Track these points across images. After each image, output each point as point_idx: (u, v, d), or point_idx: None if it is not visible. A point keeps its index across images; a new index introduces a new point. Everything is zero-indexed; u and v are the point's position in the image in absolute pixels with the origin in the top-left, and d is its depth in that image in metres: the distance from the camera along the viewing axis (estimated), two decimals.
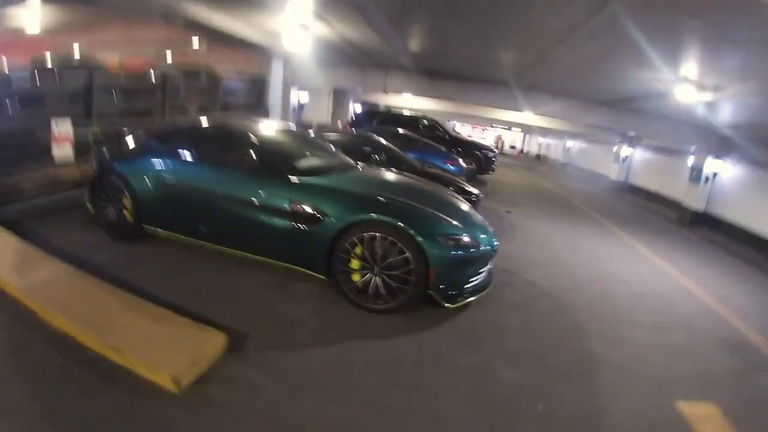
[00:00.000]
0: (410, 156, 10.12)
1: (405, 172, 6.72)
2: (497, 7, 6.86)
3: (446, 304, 4.51)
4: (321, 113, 19.75)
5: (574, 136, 28.36)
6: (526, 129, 36.21)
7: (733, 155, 13.75)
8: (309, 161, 5.65)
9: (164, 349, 3.30)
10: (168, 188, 5.18)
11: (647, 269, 8.20)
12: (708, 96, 8.89)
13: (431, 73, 15.95)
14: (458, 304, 4.63)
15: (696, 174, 14.69)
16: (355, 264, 4.49)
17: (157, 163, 5.25)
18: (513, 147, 44.96)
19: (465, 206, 5.58)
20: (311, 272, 4.73)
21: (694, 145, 14.89)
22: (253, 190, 4.83)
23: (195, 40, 18.37)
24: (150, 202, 5.27)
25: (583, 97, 14.85)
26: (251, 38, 11.80)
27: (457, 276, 4.56)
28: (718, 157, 14.08)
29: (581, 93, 14.22)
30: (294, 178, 4.83)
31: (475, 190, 9.06)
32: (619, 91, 12.25)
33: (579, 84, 12.53)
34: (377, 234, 4.35)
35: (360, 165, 6.17)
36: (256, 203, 4.78)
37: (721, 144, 13.87)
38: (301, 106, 17.40)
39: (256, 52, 14.29)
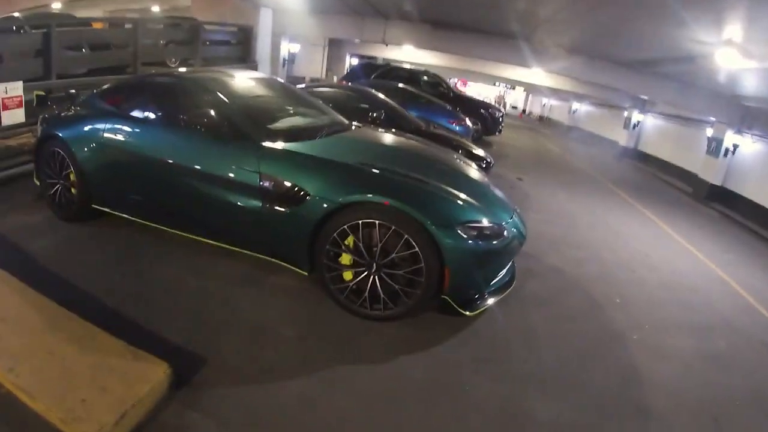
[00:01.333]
0: (413, 114, 8.99)
1: (408, 134, 5.56)
2: None
3: (465, 312, 3.46)
4: (314, 67, 18.83)
5: (580, 98, 27.25)
6: (530, 89, 35.12)
7: (756, 130, 12.81)
8: (288, 121, 4.48)
9: (88, 391, 2.40)
10: (117, 159, 4.15)
11: (675, 252, 7.41)
12: (753, 63, 7.93)
13: (435, 23, 14.70)
14: (479, 311, 3.59)
15: (715, 146, 13.79)
16: (346, 259, 3.43)
17: (105, 128, 4.21)
18: (515, 107, 43.76)
19: (483, 178, 4.51)
20: (289, 266, 3.69)
21: (713, 117, 13.95)
22: (215, 159, 3.75)
23: None
24: (97, 177, 4.26)
25: (603, 56, 13.73)
26: None
27: (479, 275, 3.47)
28: (739, 131, 13.17)
29: (602, 51, 13.10)
30: (267, 144, 3.71)
31: (485, 155, 8.00)
32: (646, 51, 11.16)
33: (602, 41, 11.42)
34: (376, 221, 3.27)
35: (355, 125, 5.00)
36: (219, 177, 3.70)
37: (744, 117, 12.98)
38: (292, 59, 16.30)
39: (244, 1, 13.32)
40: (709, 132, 14.20)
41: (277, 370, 2.89)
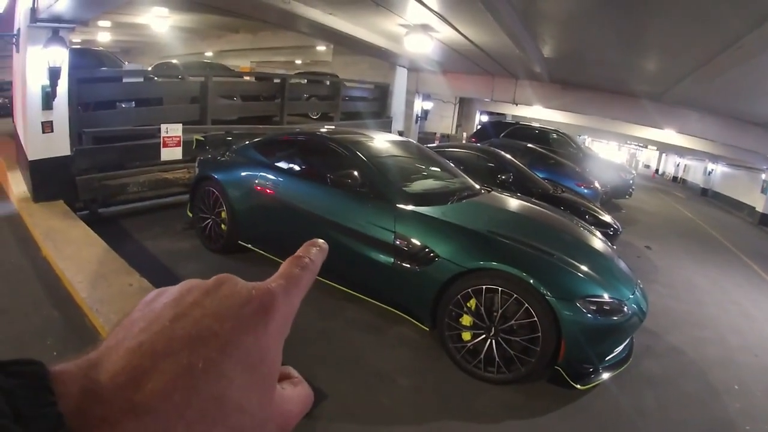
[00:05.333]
0: (540, 175, 9.04)
1: (534, 199, 5.74)
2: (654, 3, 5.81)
3: (577, 385, 3.51)
4: (445, 123, 19.23)
5: (715, 158, 25.67)
6: (662, 148, 33.60)
7: None
8: (422, 184, 4.87)
9: None
10: (265, 204, 4.77)
11: None
12: None
13: (565, 83, 14.71)
14: (591, 385, 3.63)
15: None
16: (466, 320, 3.66)
17: (257, 175, 4.85)
18: (647, 166, 41.86)
19: (608, 250, 4.57)
20: (412, 320, 3.98)
21: None
22: (354, 216, 4.19)
23: (321, 47, 18.63)
24: (246, 217, 4.91)
25: (736, 116, 13.03)
26: (373, 41, 11.36)
27: (595, 350, 3.53)
28: None
29: (734, 111, 12.46)
30: (402, 206, 4.09)
31: (613, 221, 7.89)
32: None
33: (734, 101, 10.94)
34: (499, 288, 3.50)
35: (484, 189, 5.23)
36: (356, 231, 4.12)
37: None
38: (424, 116, 16.84)
39: (381, 60, 14.04)
40: None
41: (390, 416, 3.14)
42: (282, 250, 4.75)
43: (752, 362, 5.34)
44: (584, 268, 3.71)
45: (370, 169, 4.41)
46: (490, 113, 22.24)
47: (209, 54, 23.99)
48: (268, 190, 4.77)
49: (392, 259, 3.92)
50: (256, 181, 4.84)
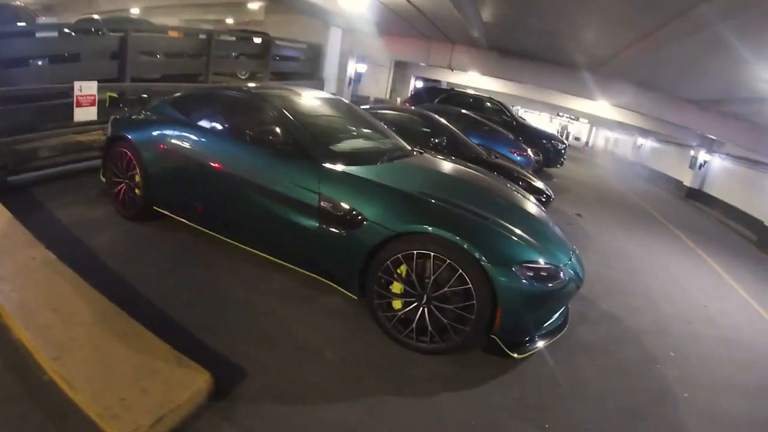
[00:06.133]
0: (474, 141, 8.89)
1: (469, 163, 5.49)
2: None
3: (513, 354, 3.34)
4: (379, 87, 19.03)
5: (645, 133, 26.47)
6: (594, 121, 34.44)
7: None
8: (350, 144, 4.51)
9: (128, 390, 2.44)
10: (182, 166, 4.31)
11: (735, 306, 6.99)
12: None
13: (502, 51, 14.74)
14: (527, 354, 3.46)
15: None
16: (397, 287, 3.39)
17: (173, 135, 4.39)
18: (578, 139, 42.89)
19: (543, 215, 4.42)
20: (339, 288, 3.68)
21: None
22: (277, 176, 3.81)
23: (253, 5, 17.96)
24: (161, 181, 4.44)
25: (672, 92, 13.42)
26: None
27: (531, 317, 3.36)
28: None
29: (670, 88, 12.80)
30: (328, 166, 3.75)
31: (545, 188, 7.84)
32: (717, 90, 10.81)
33: (672, 77, 11.16)
34: (431, 253, 3.23)
35: (417, 151, 4.97)
36: (279, 193, 3.75)
37: None
38: (358, 79, 16.50)
39: (316, 19, 13.74)
40: None
41: (317, 392, 2.87)
42: (200, 216, 4.36)
43: (686, 329, 5.43)
44: (520, 232, 3.50)
45: (293, 124, 4.02)
46: (425, 79, 22.20)
47: (136, 11, 22.68)
48: (185, 150, 4.30)
49: (317, 223, 3.58)
50: (172, 141, 4.36)
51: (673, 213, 14.88)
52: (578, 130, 42.95)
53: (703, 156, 19.50)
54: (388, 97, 18.96)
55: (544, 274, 3.32)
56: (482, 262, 3.12)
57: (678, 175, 21.73)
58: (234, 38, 13.43)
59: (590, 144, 41.31)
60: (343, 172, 3.71)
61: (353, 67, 15.99)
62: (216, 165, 4.12)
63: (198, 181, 4.28)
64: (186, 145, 4.31)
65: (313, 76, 14.14)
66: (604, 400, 3.56)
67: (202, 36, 10.63)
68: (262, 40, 12.64)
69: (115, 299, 3.11)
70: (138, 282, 3.62)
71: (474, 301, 3.16)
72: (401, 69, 19.56)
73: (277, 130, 3.89)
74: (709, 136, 17.32)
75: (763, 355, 5.37)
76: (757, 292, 8.01)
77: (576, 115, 31.83)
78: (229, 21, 23.77)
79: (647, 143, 28.04)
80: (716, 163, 19.25)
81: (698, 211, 17.39)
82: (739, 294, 7.61)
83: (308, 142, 3.93)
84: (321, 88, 13.66)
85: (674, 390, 3.94)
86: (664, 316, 5.63)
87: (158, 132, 4.49)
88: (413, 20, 12.30)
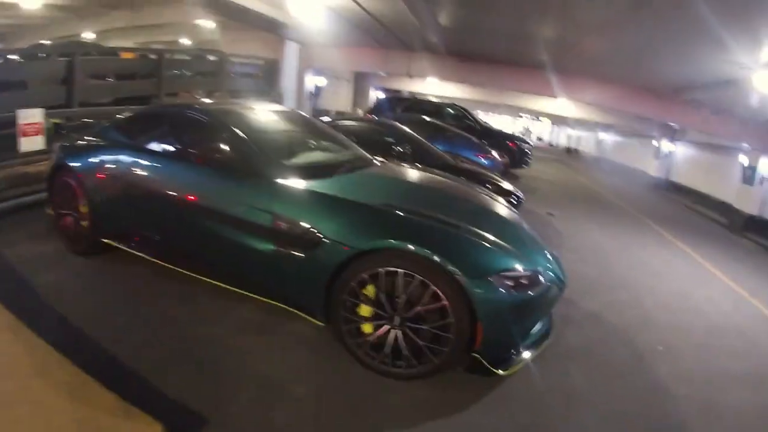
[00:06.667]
0: (439, 148, 8.71)
1: (435, 170, 5.25)
2: None
3: (498, 371, 3.03)
4: (340, 100, 18.93)
5: (606, 128, 26.81)
6: (555, 120, 34.85)
7: None
8: (306, 157, 4.20)
9: None
10: (129, 193, 3.98)
11: (718, 291, 6.94)
12: None
13: (461, 55, 14.75)
14: (514, 369, 3.14)
15: (750, 174, 13.37)
16: (365, 310, 3.08)
17: (116, 160, 4.06)
18: (540, 139, 43.40)
19: (515, 217, 4.19)
20: (304, 315, 3.36)
21: (747, 143, 13.51)
22: (228, 198, 3.51)
23: (206, 24, 17.69)
24: (108, 210, 4.10)
25: (631, 84, 13.57)
26: (259, 9, 10.69)
27: (515, 330, 3.08)
28: None
29: (630, 78, 12.91)
30: (281, 181, 3.44)
31: (515, 190, 7.66)
32: (678, 77, 10.89)
33: (631, 67, 11.24)
34: (398, 270, 2.94)
35: (378, 160, 4.70)
36: (231, 216, 3.45)
37: None
38: (317, 93, 16.29)
39: (271, 35, 13.59)
40: (744, 160, 13.74)
41: None
42: (152, 246, 4.01)
43: (671, 320, 5.31)
44: (494, 239, 3.24)
45: (241, 140, 3.70)
46: (385, 90, 22.12)
47: (92, 36, 22.13)
48: (131, 176, 3.95)
49: (273, 246, 3.27)
50: (116, 167, 4.03)
51: (642, 204, 15.01)
52: (540, 129, 43.55)
53: (666, 145, 19.76)
54: (350, 109, 18.80)
55: (524, 281, 3.06)
56: (456, 276, 2.84)
57: (643, 166, 22.10)
58: (188, 57, 13.17)
59: (553, 143, 41.88)
60: (297, 188, 3.41)
61: (312, 81, 15.79)
62: (164, 190, 3.79)
63: (146, 209, 3.95)
64: (132, 170, 3.97)
65: (270, 92, 13.94)
66: (599, 407, 3.33)
67: (153, 56, 10.35)
68: (217, 57, 12.39)
69: (60, 345, 2.78)
70: (86, 323, 3.28)
71: (451, 319, 2.88)
72: (361, 81, 19.51)
73: (225, 147, 3.62)
74: (672, 124, 17.57)
75: (756, 341, 5.26)
76: (737, 275, 7.99)
77: (537, 115, 32.18)
78: (185, 41, 23.38)
79: (609, 138, 28.46)
80: (680, 151, 19.59)
81: (668, 200, 17.57)
82: (720, 279, 7.56)
83: (257, 157, 3.62)
84: (280, 103, 13.46)
85: (671, 388, 3.75)
86: (649, 309, 5.50)
87: (101, 158, 4.16)
88: (369, 29, 12.21)
